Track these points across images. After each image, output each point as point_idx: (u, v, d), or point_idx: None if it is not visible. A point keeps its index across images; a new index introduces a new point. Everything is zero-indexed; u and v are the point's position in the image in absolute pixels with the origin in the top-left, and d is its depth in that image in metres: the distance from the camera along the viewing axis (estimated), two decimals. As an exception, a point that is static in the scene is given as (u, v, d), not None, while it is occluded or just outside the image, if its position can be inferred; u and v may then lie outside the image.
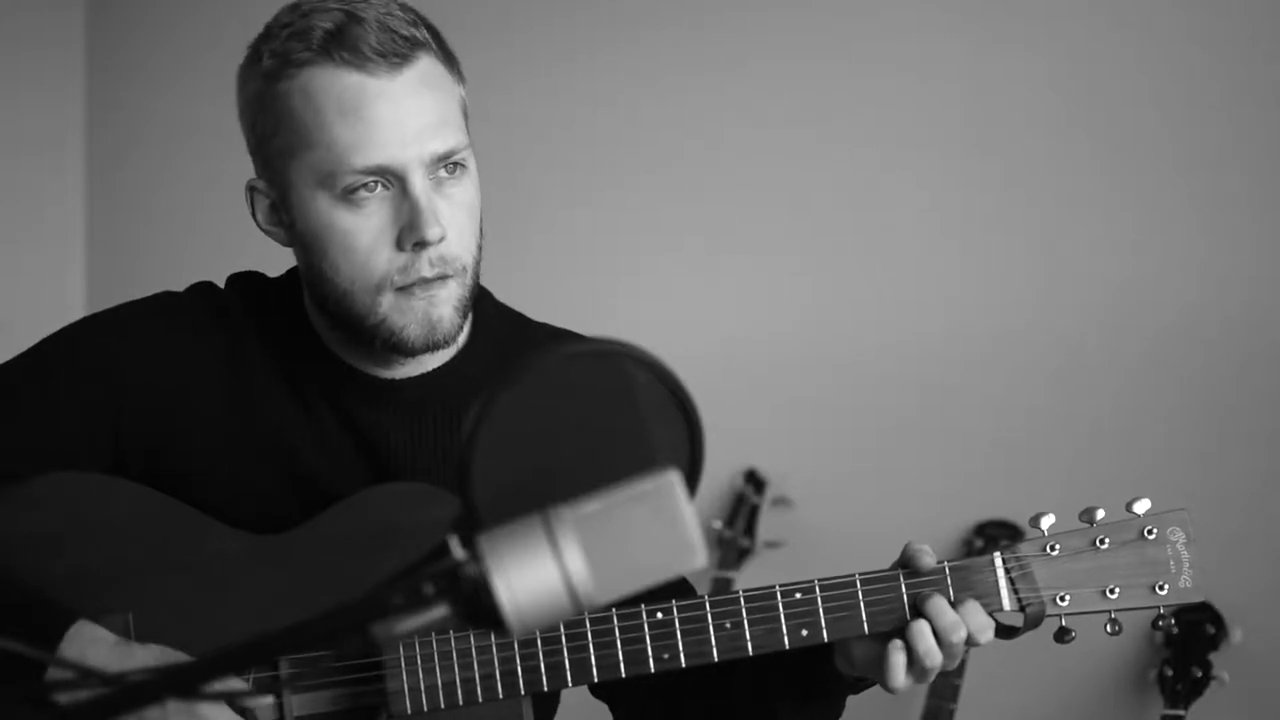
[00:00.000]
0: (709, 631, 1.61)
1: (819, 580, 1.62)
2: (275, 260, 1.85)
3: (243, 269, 1.86)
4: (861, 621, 1.61)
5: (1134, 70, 3.00)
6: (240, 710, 1.61)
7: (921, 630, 1.59)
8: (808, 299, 3.29)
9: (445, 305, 1.69)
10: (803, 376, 3.27)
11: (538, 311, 1.89)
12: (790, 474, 3.27)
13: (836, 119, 3.27)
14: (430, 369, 1.77)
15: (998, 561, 1.63)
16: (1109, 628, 1.64)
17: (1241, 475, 2.87)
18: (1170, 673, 2.72)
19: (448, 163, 1.67)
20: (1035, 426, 3.06)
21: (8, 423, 1.73)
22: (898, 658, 1.59)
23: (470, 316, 1.79)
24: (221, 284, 1.84)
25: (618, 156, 3.49)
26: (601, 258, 3.50)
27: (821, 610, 1.61)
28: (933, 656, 1.59)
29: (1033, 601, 1.63)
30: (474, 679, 1.61)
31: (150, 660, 1.59)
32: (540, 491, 1.03)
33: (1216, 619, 2.75)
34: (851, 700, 1.74)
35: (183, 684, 1.03)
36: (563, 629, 1.60)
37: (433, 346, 1.70)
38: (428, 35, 1.69)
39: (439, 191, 1.67)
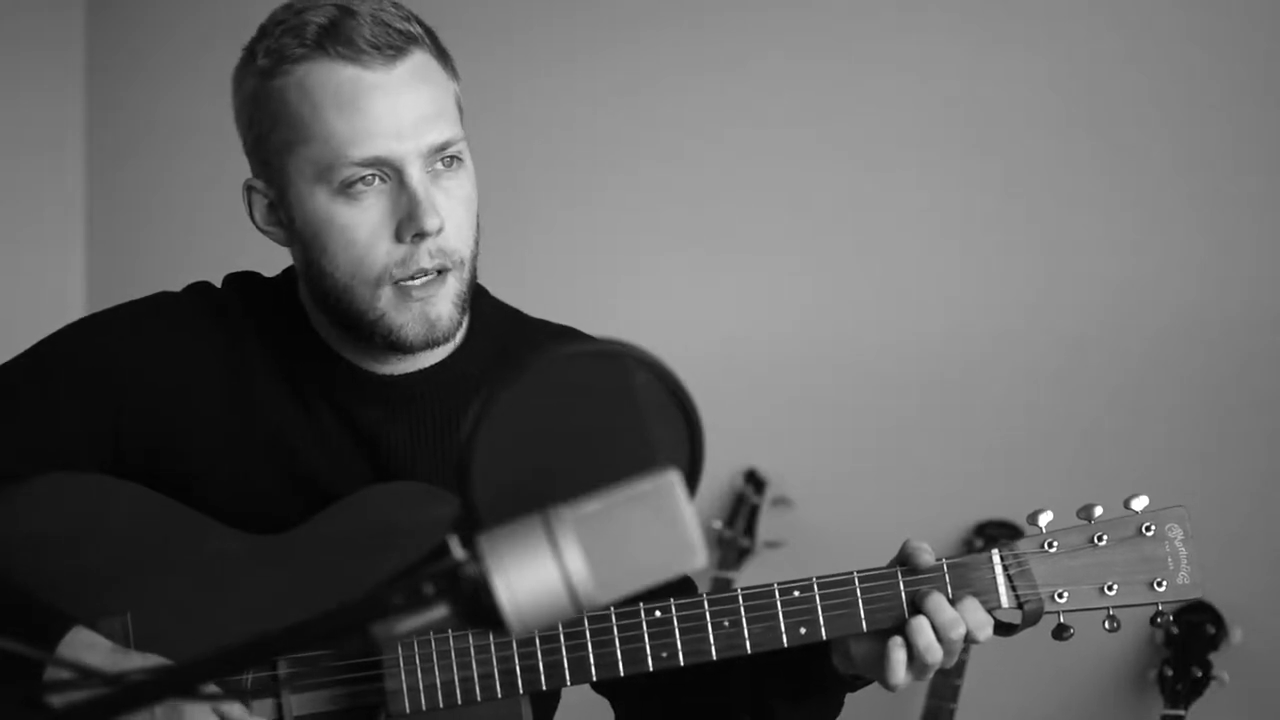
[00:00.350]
0: (707, 630, 1.61)
1: (817, 578, 1.62)
2: (275, 260, 1.85)
3: (242, 269, 1.86)
4: (860, 619, 1.61)
5: (1134, 70, 3.01)
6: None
7: (921, 626, 1.59)
8: (808, 299, 3.29)
9: (443, 302, 1.69)
10: (803, 376, 3.27)
11: (538, 312, 1.89)
12: (790, 474, 3.27)
13: (836, 119, 3.27)
14: (429, 365, 1.77)
15: (996, 559, 1.63)
16: (1107, 624, 1.64)
17: (1241, 475, 2.87)
18: (1170, 673, 2.72)
19: (444, 156, 1.68)
20: (1035, 426, 3.06)
21: (7, 423, 1.73)
22: (898, 655, 1.59)
23: (469, 314, 1.79)
24: (218, 284, 1.84)
25: (618, 156, 3.49)
26: (601, 258, 3.50)
27: (820, 608, 1.61)
28: (933, 652, 1.59)
29: (1031, 599, 1.63)
30: (472, 678, 1.61)
31: (145, 665, 1.59)
32: (540, 491, 1.03)
33: (1216, 619, 2.75)
34: (851, 700, 1.74)
35: (182, 684, 1.03)
36: (561, 628, 1.60)
37: (432, 344, 1.71)
38: (421, 31, 1.70)
39: (436, 184, 1.67)
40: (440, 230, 1.66)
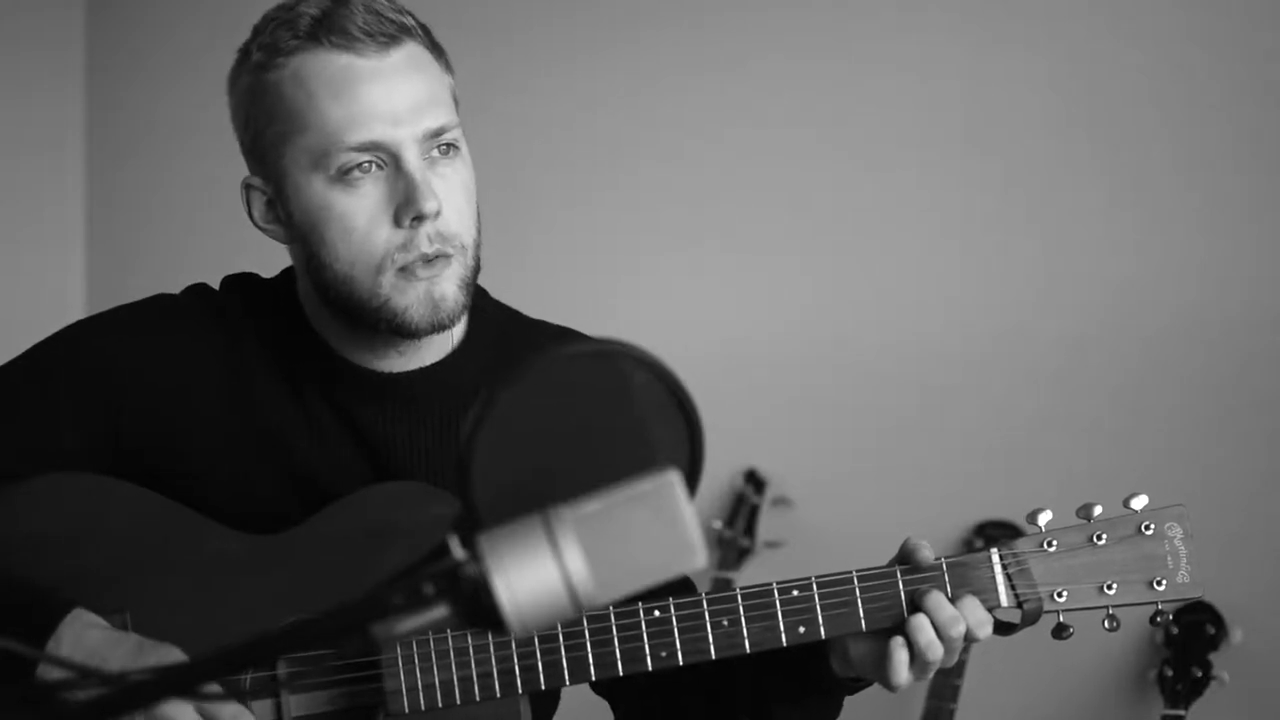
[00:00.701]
0: (706, 629, 1.61)
1: (816, 577, 1.62)
2: (274, 260, 1.85)
3: (242, 269, 1.86)
4: (859, 618, 1.61)
5: (1134, 70, 3.01)
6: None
7: (921, 624, 1.59)
8: (808, 299, 3.29)
9: (448, 283, 1.68)
10: (803, 376, 3.27)
11: (537, 312, 1.89)
12: (790, 474, 3.27)
13: (836, 119, 3.27)
14: (429, 365, 1.77)
15: (995, 558, 1.63)
16: (1107, 624, 1.64)
17: (1241, 475, 2.87)
18: (1170, 673, 2.72)
19: (440, 143, 1.68)
20: (1035, 426, 3.06)
21: (7, 423, 1.73)
22: (900, 655, 1.59)
23: (468, 313, 1.79)
24: (216, 286, 1.84)
25: (618, 156, 3.49)
26: (601, 258, 3.50)
27: (819, 607, 1.61)
28: (933, 650, 1.59)
29: (1030, 598, 1.63)
30: (471, 678, 1.61)
31: (141, 642, 1.59)
32: (540, 491, 1.03)
33: (1216, 619, 2.75)
34: (851, 700, 1.74)
35: (181, 684, 1.03)
36: (560, 628, 1.60)
37: (438, 327, 1.69)
38: (415, 24, 1.70)
39: (433, 170, 1.67)
40: (438, 214, 1.66)
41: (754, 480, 3.27)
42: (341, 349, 1.76)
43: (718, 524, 3.21)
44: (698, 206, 3.39)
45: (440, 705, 1.60)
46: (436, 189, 1.66)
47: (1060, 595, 1.63)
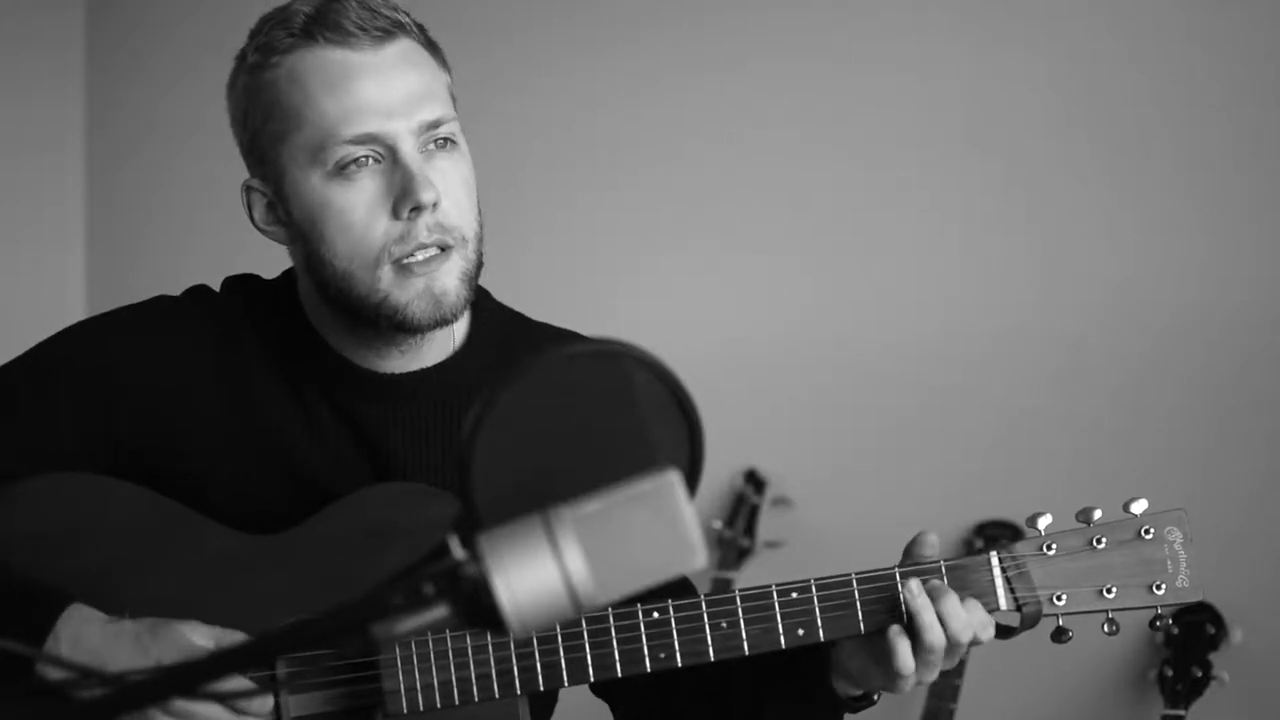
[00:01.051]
0: (705, 631, 1.60)
1: (815, 579, 1.61)
2: (274, 261, 1.85)
3: (242, 269, 1.86)
4: (858, 620, 1.60)
5: (1134, 70, 3.01)
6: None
7: (923, 605, 1.58)
8: (808, 299, 3.29)
9: (448, 277, 1.67)
10: (803, 376, 3.27)
11: (538, 311, 1.89)
12: (790, 474, 3.27)
13: (836, 119, 3.27)
14: (430, 365, 1.77)
15: (994, 561, 1.63)
16: (1106, 627, 1.64)
17: (1241, 475, 2.87)
18: (1170, 673, 2.72)
19: (437, 137, 1.68)
20: (1035, 426, 3.06)
21: (7, 423, 1.73)
22: (901, 644, 1.57)
23: (471, 315, 1.79)
24: (217, 287, 1.84)
25: (618, 156, 3.49)
26: (601, 258, 3.50)
27: (818, 609, 1.60)
28: (934, 631, 1.57)
29: (1029, 601, 1.62)
30: (470, 678, 1.60)
31: (140, 632, 1.59)
32: (540, 491, 1.03)
33: (1216, 619, 2.75)
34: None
35: (182, 684, 1.03)
36: (559, 628, 1.60)
37: (440, 321, 1.69)
38: (409, 21, 1.71)
39: (430, 164, 1.67)
40: (437, 204, 1.65)
41: (754, 480, 3.27)
42: (343, 349, 1.76)
43: (718, 524, 3.21)
44: (698, 206, 3.39)
45: (439, 706, 1.60)
46: (435, 181, 1.66)
47: (1059, 599, 1.63)
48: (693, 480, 1.07)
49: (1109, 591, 1.63)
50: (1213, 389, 2.91)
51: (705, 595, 1.62)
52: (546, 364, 1.07)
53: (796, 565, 3.05)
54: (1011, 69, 3.10)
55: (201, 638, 1.59)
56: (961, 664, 2.87)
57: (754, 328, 3.32)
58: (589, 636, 1.60)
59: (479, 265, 1.72)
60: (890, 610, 1.60)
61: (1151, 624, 1.65)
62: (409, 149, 1.65)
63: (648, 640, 1.60)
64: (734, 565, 3.19)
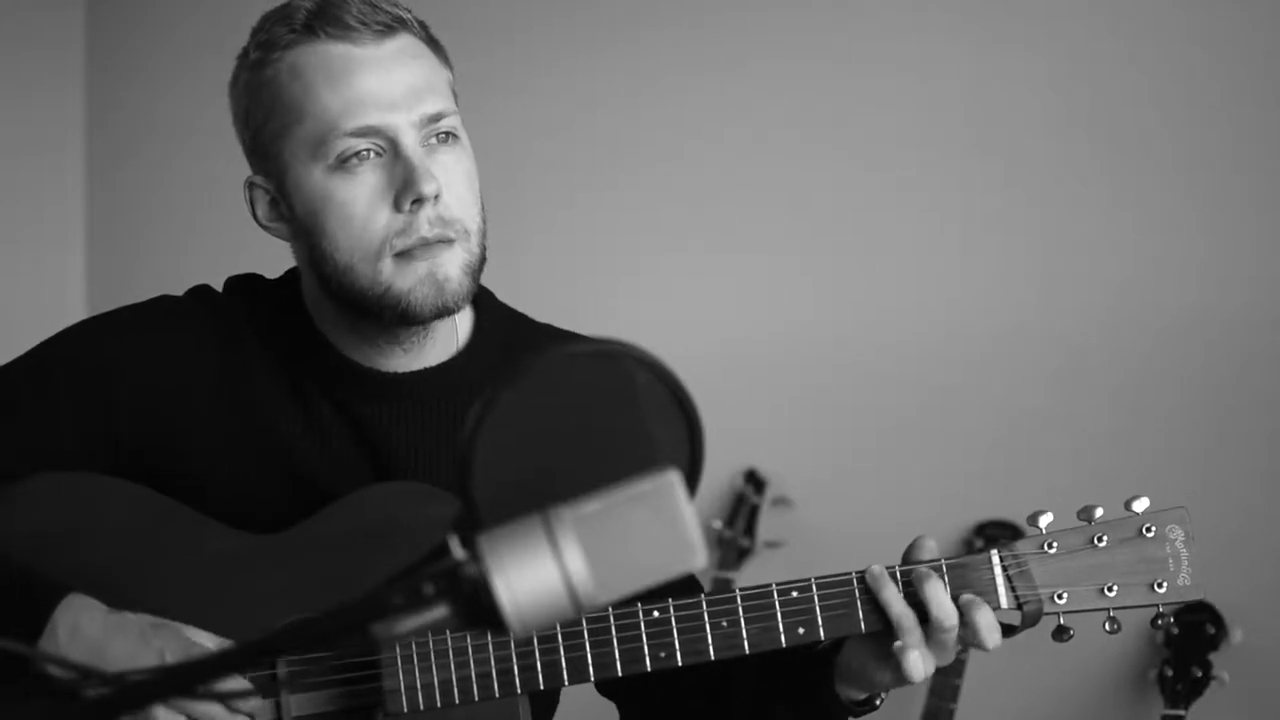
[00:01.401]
0: (705, 630, 1.60)
1: (815, 578, 1.61)
2: (275, 260, 1.85)
3: (243, 269, 1.86)
4: (859, 620, 1.60)
5: (1134, 70, 3.01)
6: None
7: (935, 586, 1.57)
8: (808, 299, 3.29)
9: (451, 265, 1.67)
10: (803, 376, 3.27)
11: (537, 311, 1.89)
12: (790, 474, 3.27)
13: (836, 119, 3.27)
14: (432, 365, 1.77)
15: (995, 559, 1.63)
16: (1107, 626, 1.63)
17: (1241, 475, 2.87)
18: (1170, 673, 2.72)
19: (439, 131, 1.68)
20: (1035, 426, 3.06)
21: (7, 423, 1.73)
22: (909, 655, 1.56)
23: (474, 315, 1.79)
24: (219, 287, 1.84)
25: (618, 156, 3.49)
26: (601, 258, 3.51)
27: (818, 608, 1.60)
28: (944, 607, 1.56)
29: (1030, 599, 1.62)
30: (470, 677, 1.60)
31: (144, 626, 1.59)
32: (540, 491, 1.03)
33: (1216, 619, 2.75)
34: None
35: (182, 684, 1.03)
36: (559, 628, 1.60)
37: (443, 310, 1.68)
38: (411, 17, 1.71)
39: (432, 157, 1.67)
40: (438, 197, 1.65)
41: (754, 480, 3.27)
42: (345, 349, 1.76)
43: (718, 524, 3.21)
44: (698, 206, 3.39)
45: (439, 705, 1.60)
46: (436, 174, 1.66)
47: (1060, 597, 1.62)
48: (693, 480, 1.07)
49: (1110, 590, 1.63)
50: (1213, 389, 2.91)
51: (705, 595, 1.62)
52: (547, 364, 1.07)
53: (796, 565, 3.05)
54: (1011, 69, 3.10)
55: (205, 636, 1.59)
56: (961, 664, 2.89)
57: (754, 328, 3.32)
58: (589, 636, 1.60)
59: (482, 259, 1.71)
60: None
61: (1153, 622, 1.65)
62: (410, 142, 1.65)
63: (648, 639, 1.60)
64: (734, 565, 3.19)
